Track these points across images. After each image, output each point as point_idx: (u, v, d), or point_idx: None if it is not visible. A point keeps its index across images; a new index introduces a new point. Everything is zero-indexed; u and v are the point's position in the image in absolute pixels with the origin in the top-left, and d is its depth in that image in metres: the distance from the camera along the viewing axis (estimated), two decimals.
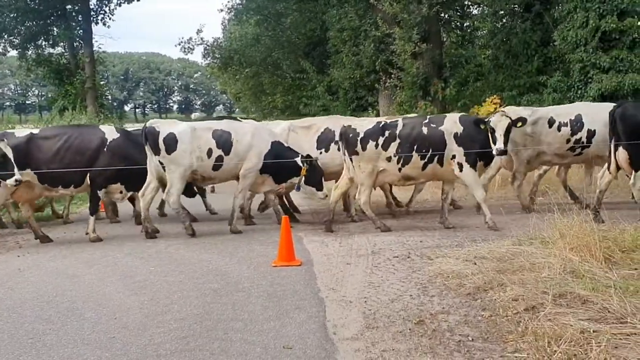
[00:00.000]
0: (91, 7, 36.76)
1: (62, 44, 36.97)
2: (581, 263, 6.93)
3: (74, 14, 36.70)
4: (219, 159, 11.18)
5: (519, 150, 12.04)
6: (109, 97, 56.66)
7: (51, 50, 37.28)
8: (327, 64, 31.00)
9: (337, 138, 11.81)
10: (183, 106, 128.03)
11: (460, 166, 10.79)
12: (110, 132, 11.51)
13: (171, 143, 10.89)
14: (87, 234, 11.18)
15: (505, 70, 23.46)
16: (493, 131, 10.55)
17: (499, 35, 24.44)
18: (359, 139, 10.96)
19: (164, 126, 11.20)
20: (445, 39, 27.90)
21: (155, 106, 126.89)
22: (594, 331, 5.16)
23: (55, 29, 36.35)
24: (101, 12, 37.26)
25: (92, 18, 36.60)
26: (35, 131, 11.41)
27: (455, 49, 27.62)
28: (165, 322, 6.28)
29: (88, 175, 11.06)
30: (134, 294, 7.44)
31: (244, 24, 37.33)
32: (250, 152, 11.32)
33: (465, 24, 29.72)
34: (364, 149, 10.93)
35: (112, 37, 74.92)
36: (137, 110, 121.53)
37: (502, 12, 25.23)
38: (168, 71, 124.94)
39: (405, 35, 22.99)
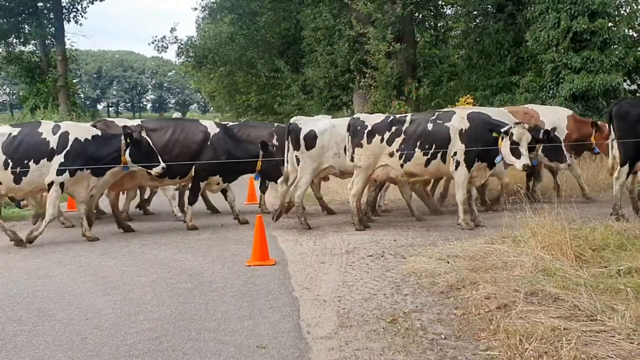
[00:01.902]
0: (63, 4, 36.44)
1: (33, 41, 36.66)
2: (552, 261, 7.00)
3: (45, 11, 36.35)
4: None
5: None
6: (82, 95, 56.14)
7: (22, 48, 36.96)
8: (301, 63, 31.00)
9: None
10: (157, 105, 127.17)
11: (457, 164, 10.64)
12: (211, 126, 12.05)
13: (311, 140, 11.38)
14: (184, 222, 11.86)
15: (479, 70, 23.66)
16: (517, 145, 10.10)
17: (472, 36, 24.63)
18: (366, 131, 10.92)
19: (307, 123, 11.70)
20: (419, 39, 28.00)
21: (129, 105, 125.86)
22: (564, 329, 5.22)
23: (26, 26, 36.01)
24: (73, 9, 36.96)
25: (64, 16, 36.25)
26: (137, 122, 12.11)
27: (429, 48, 27.73)
28: (138, 323, 6.24)
29: (194, 167, 11.63)
30: (106, 294, 7.38)
31: (218, 22, 37.25)
32: None
33: (438, 24, 29.87)
34: (369, 142, 10.89)
35: (85, 35, 74.16)
36: (110, 108, 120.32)
37: (475, 12, 25.42)
38: (142, 69, 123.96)
39: (379, 35, 23.08)
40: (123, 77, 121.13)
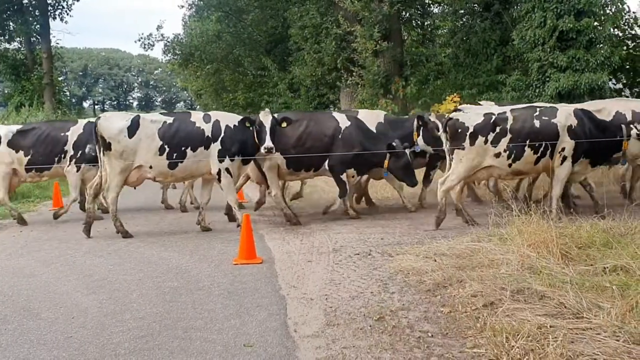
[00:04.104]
0: (48, 1, 36.20)
1: (18, 39, 36.32)
2: (538, 259, 7.02)
3: (30, 8, 36.07)
4: None
5: None
6: (67, 93, 55.89)
7: (7, 46, 36.61)
8: (288, 62, 31.01)
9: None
10: (143, 103, 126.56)
11: (564, 159, 10.39)
12: (342, 119, 12.01)
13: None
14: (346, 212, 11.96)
15: (465, 68, 23.73)
16: None
17: (459, 34, 24.70)
18: (467, 133, 10.43)
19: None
20: (406, 38, 28.09)
21: (115, 103, 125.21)
22: (550, 326, 5.23)
23: (11, 23, 35.69)
24: (58, 7, 36.71)
25: (49, 13, 36.02)
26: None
27: (416, 47, 27.84)
28: (124, 321, 6.20)
29: (327, 161, 11.71)
30: (92, 292, 7.34)
31: (205, 20, 37.11)
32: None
33: (425, 23, 29.99)
34: (472, 144, 10.43)
35: (71, 33, 73.45)
36: (96, 106, 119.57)
37: (462, 11, 25.51)
38: (128, 67, 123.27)
39: (366, 33, 23.12)
40: (109, 75, 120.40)
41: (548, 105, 11.66)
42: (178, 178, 11.48)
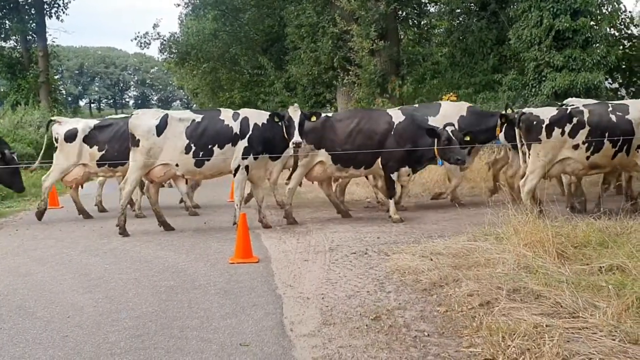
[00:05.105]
0: (44, 0, 36.13)
1: (14, 37, 36.27)
2: (535, 259, 7.02)
3: (26, 7, 36.04)
4: None
5: None
6: (63, 91, 55.68)
7: (3, 44, 36.56)
8: (285, 60, 30.97)
9: None
10: (139, 101, 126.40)
11: None
12: (396, 115, 11.87)
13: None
14: (389, 217, 11.50)
15: (462, 68, 23.75)
16: None
17: (455, 34, 24.72)
18: (544, 125, 10.41)
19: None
20: (402, 37, 28.07)
21: (111, 101, 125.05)
22: (547, 326, 5.23)
23: (7, 22, 35.64)
24: (54, 5, 36.66)
25: (45, 11, 35.97)
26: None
27: (413, 46, 27.84)
28: (120, 321, 6.19)
29: (380, 158, 11.54)
30: (87, 291, 7.32)
31: (202, 18, 37.05)
32: None
33: (422, 22, 29.95)
34: (548, 136, 10.42)
35: (67, 31, 73.16)
36: (92, 105, 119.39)
37: (459, 10, 25.53)
38: (124, 66, 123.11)
39: (363, 32, 23.11)
40: (105, 74, 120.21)
41: (618, 102, 11.63)
42: (206, 175, 11.48)
